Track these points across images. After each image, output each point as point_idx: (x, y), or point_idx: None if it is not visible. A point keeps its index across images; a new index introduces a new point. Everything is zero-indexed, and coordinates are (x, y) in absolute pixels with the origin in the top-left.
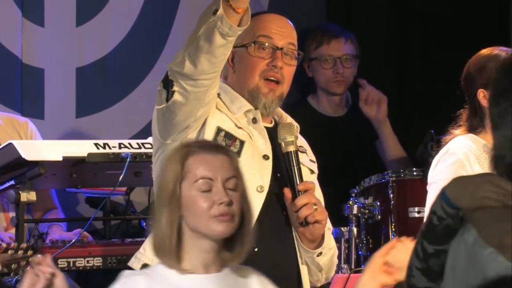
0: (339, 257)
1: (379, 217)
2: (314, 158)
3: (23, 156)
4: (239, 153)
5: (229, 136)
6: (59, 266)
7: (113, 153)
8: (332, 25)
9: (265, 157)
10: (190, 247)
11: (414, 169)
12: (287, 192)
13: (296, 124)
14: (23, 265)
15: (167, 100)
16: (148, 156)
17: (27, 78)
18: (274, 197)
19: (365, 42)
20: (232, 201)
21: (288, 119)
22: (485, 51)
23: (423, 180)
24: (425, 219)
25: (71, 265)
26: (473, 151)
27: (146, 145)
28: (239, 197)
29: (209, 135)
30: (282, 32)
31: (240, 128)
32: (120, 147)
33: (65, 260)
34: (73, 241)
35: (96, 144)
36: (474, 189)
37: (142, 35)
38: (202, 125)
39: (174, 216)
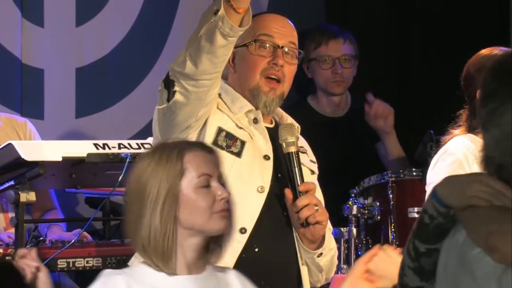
0: (338, 258)
1: (379, 217)
2: (314, 159)
3: (23, 156)
4: (240, 153)
5: (230, 136)
6: (59, 266)
7: (113, 154)
8: (330, 26)
9: (266, 157)
10: (178, 247)
11: (413, 169)
12: (288, 192)
13: (297, 125)
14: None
15: (168, 100)
16: None
17: (27, 79)
18: (275, 198)
19: (365, 42)
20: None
21: (289, 119)
22: (485, 51)
23: (423, 181)
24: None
25: (71, 265)
26: (471, 151)
27: (146, 146)
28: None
29: (210, 135)
30: (283, 31)
31: (241, 128)
32: (119, 148)
33: (65, 260)
34: (72, 241)
35: (95, 145)
36: (463, 188)
37: (142, 35)
38: (203, 125)
39: (170, 215)
